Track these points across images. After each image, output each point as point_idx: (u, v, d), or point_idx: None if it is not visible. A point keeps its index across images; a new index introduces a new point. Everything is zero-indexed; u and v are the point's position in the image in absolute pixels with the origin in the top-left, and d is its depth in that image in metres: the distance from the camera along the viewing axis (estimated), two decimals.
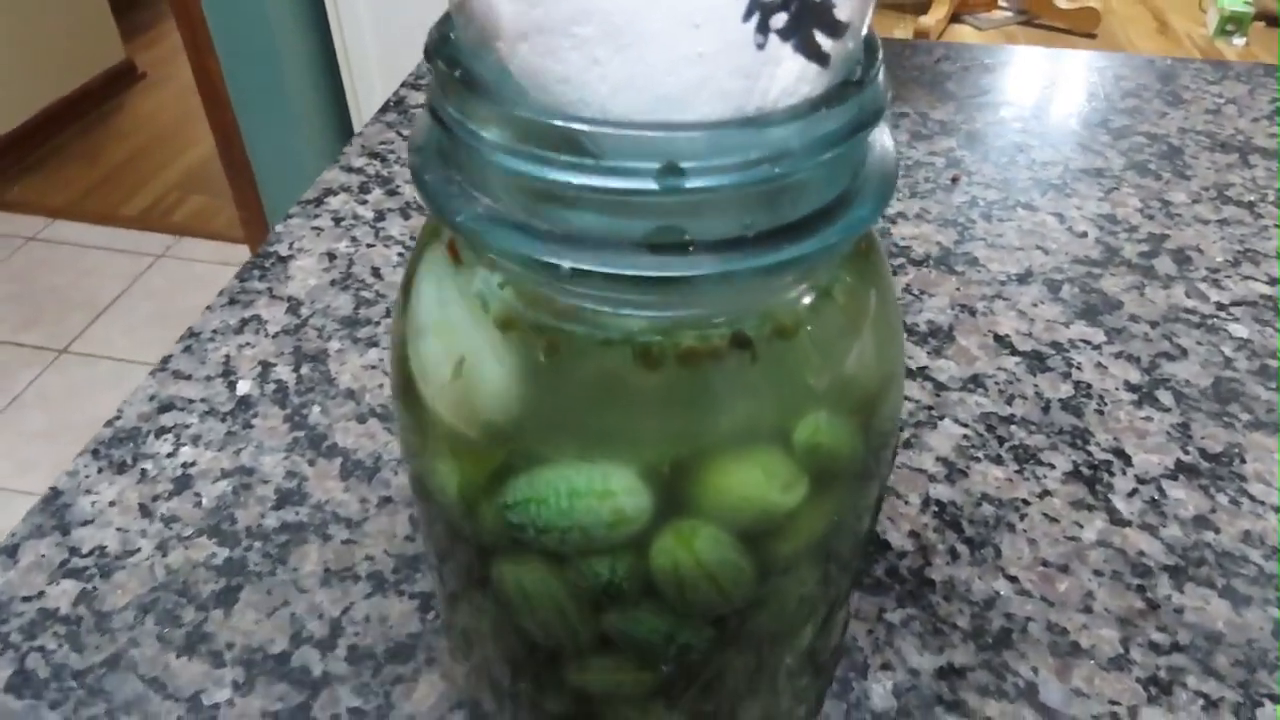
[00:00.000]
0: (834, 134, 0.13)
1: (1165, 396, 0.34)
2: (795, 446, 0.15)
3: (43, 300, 1.60)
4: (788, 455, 0.15)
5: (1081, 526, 0.29)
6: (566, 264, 0.12)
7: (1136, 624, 0.27)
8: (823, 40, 0.12)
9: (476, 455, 0.16)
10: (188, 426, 0.32)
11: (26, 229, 1.75)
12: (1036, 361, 0.36)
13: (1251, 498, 0.30)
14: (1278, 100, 0.53)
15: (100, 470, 0.31)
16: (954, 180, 0.46)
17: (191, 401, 0.33)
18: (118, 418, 0.33)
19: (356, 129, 1.24)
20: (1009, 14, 2.18)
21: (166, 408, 0.33)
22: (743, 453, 0.15)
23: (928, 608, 0.27)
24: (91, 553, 0.28)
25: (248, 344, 0.36)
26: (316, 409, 0.33)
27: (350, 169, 0.46)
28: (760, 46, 0.12)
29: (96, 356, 1.49)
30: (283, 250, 0.41)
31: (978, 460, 0.32)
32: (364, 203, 0.44)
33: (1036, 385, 0.35)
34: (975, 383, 0.35)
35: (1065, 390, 0.34)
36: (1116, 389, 0.34)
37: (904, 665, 0.26)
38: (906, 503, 0.30)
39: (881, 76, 0.14)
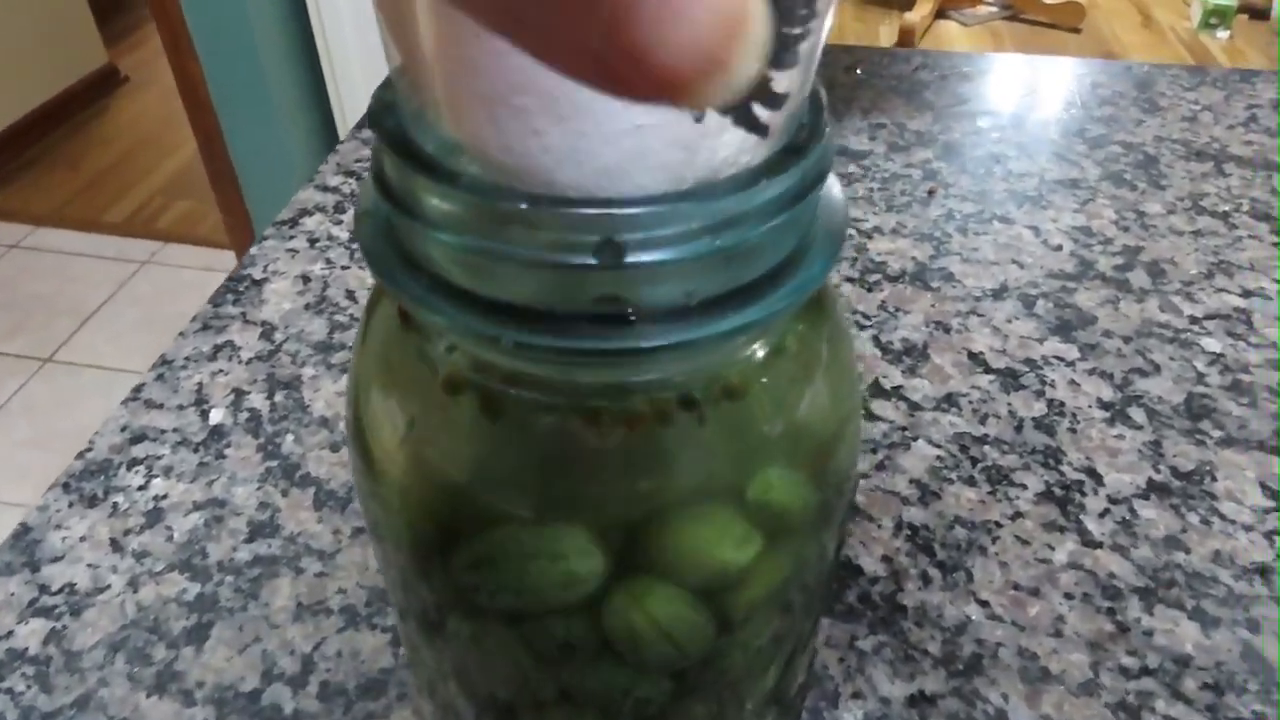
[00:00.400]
0: (777, 200, 0.13)
1: (1138, 414, 0.34)
2: (748, 503, 0.15)
3: (27, 308, 1.59)
4: (740, 512, 0.15)
5: (1053, 549, 0.30)
6: (508, 337, 0.12)
7: (1106, 648, 0.27)
8: (761, 112, 0.12)
9: (428, 512, 0.16)
10: (159, 458, 0.32)
11: (9, 237, 1.74)
12: (1010, 379, 0.36)
13: (1222, 516, 0.31)
14: (1253, 107, 0.54)
15: (71, 504, 0.31)
16: (930, 193, 0.46)
17: (164, 432, 0.33)
18: (89, 449, 0.33)
19: (340, 129, 1.23)
20: (994, 9, 2.19)
21: (139, 438, 0.33)
22: (695, 512, 0.15)
23: (899, 634, 0.27)
24: (61, 590, 0.28)
25: (221, 371, 0.36)
26: (290, 438, 0.33)
27: (326, 188, 0.46)
28: (698, 119, 0.12)
29: (82, 365, 1.49)
30: (256, 274, 0.41)
31: (950, 482, 0.32)
32: (339, 223, 0.44)
33: (1010, 404, 0.35)
34: (949, 402, 0.35)
35: (1038, 409, 0.34)
36: (1089, 406, 0.34)
37: (875, 694, 0.26)
38: (880, 526, 0.30)
39: (827, 133, 0.14)
